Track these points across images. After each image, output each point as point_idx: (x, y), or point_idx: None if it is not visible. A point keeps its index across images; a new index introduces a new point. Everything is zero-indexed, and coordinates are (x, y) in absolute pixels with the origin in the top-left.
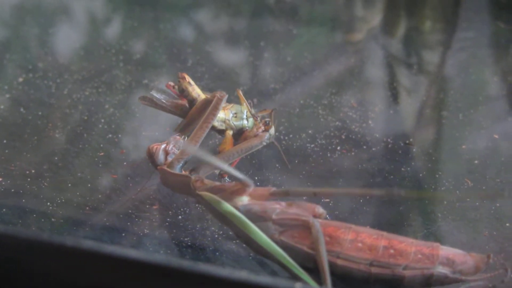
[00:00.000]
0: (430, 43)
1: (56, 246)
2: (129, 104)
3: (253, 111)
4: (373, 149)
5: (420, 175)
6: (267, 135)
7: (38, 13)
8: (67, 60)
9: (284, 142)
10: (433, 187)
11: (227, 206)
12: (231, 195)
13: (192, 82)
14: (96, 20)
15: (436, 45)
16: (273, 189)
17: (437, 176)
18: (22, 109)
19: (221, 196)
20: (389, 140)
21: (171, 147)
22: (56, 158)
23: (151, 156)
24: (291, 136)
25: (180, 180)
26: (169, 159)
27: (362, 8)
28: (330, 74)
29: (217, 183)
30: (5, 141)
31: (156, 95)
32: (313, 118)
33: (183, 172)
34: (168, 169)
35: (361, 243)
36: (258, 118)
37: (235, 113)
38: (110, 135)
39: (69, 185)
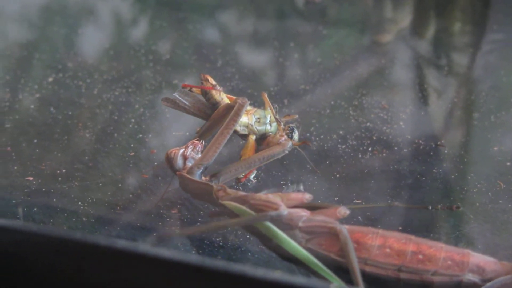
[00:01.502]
0: (460, 44)
1: (89, 246)
2: (159, 104)
3: (277, 116)
4: (405, 150)
5: (452, 176)
6: (289, 143)
7: (66, 14)
8: (96, 60)
9: (315, 143)
10: (465, 189)
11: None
12: (260, 208)
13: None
14: (124, 21)
15: (466, 46)
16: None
17: (469, 178)
18: (52, 109)
19: (248, 207)
20: (420, 141)
21: (190, 152)
22: (86, 157)
23: (169, 161)
24: (322, 137)
25: (201, 188)
26: (188, 164)
27: (392, 10)
28: (360, 75)
29: (242, 193)
30: (35, 141)
31: (179, 97)
32: (344, 119)
33: (203, 179)
34: (188, 176)
35: (389, 248)
36: (282, 124)
37: (258, 118)
38: (140, 135)
39: (100, 184)
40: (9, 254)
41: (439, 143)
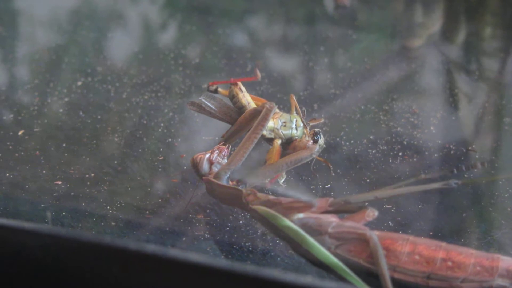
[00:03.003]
0: (491, 49)
1: (119, 250)
2: (188, 109)
3: (304, 119)
4: (435, 155)
5: (483, 182)
6: (317, 147)
7: (96, 18)
8: (125, 64)
9: (345, 147)
10: (496, 194)
11: (284, 221)
12: (289, 210)
13: (243, 89)
14: (154, 25)
15: (497, 51)
16: (331, 199)
17: (500, 182)
18: (81, 113)
19: (277, 210)
20: (451, 146)
21: (216, 157)
22: (115, 162)
23: (195, 166)
24: (352, 142)
25: (230, 193)
26: (214, 169)
27: (422, 14)
28: (390, 80)
29: (271, 197)
30: (64, 145)
31: (204, 100)
32: (374, 124)
33: (230, 183)
34: (216, 180)
35: (419, 255)
36: (308, 127)
37: (284, 122)
38: (169, 140)
39: (129, 189)
40: (38, 258)
41: (470, 148)
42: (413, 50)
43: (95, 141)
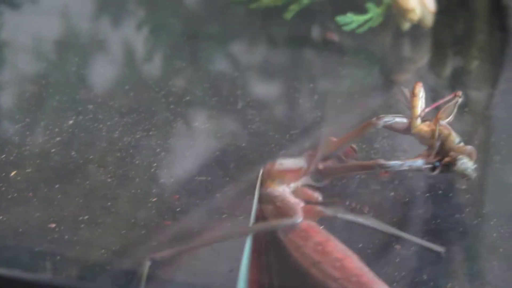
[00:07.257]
0: (477, 83)
1: None
2: (181, 148)
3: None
4: None
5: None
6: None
7: (85, 52)
8: (116, 102)
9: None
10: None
11: None
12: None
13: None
14: (144, 62)
15: (484, 85)
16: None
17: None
18: (73, 153)
19: None
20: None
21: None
22: (108, 203)
23: None
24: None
25: None
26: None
27: (410, 49)
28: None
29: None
30: (57, 186)
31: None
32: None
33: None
34: None
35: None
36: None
37: None
38: (162, 180)
39: (123, 231)
40: None
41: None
42: (401, 84)
43: (88, 182)
